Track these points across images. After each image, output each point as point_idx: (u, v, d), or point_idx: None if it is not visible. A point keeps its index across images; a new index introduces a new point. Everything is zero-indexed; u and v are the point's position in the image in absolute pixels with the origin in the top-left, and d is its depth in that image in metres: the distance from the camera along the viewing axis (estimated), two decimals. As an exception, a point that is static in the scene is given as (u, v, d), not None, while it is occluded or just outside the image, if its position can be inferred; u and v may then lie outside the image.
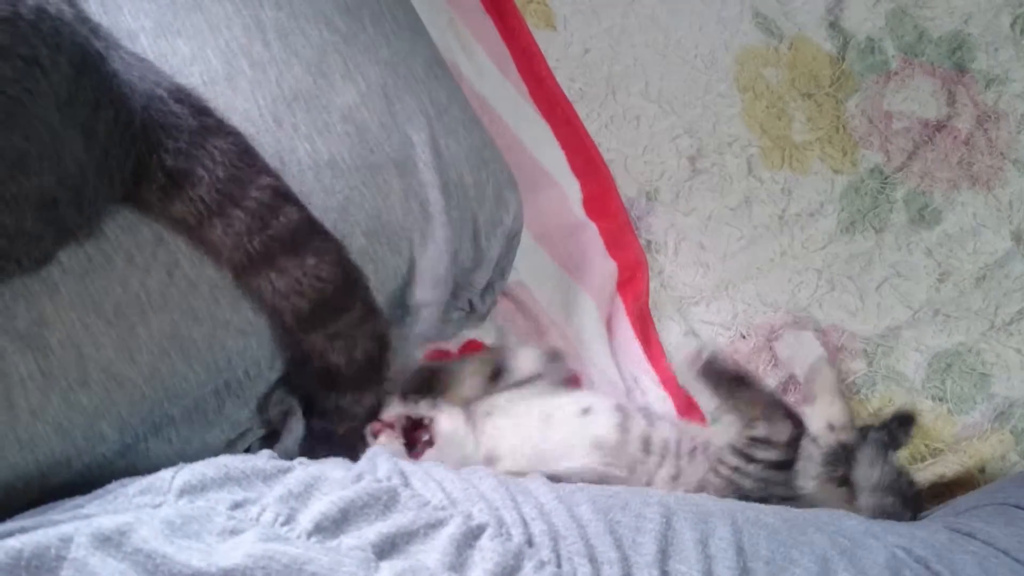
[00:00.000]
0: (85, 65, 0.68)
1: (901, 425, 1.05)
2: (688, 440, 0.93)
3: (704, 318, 1.14)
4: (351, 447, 0.85)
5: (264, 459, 0.68)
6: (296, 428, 0.90)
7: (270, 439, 0.91)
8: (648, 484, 0.89)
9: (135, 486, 0.65)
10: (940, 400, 1.12)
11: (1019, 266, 1.18)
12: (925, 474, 1.05)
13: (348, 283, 0.81)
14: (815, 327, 1.14)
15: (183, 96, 0.78)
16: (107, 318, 0.76)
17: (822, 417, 0.97)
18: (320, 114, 0.85)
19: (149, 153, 0.76)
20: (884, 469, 0.96)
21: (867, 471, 0.96)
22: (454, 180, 0.91)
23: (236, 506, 0.62)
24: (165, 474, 0.65)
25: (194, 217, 0.77)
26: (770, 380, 1.10)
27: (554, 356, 0.99)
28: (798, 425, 0.92)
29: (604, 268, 1.10)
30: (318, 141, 0.84)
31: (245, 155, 0.78)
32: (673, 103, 1.20)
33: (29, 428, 0.73)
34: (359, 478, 0.66)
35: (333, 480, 0.65)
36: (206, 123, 0.78)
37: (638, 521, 0.66)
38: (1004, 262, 1.18)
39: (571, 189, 1.13)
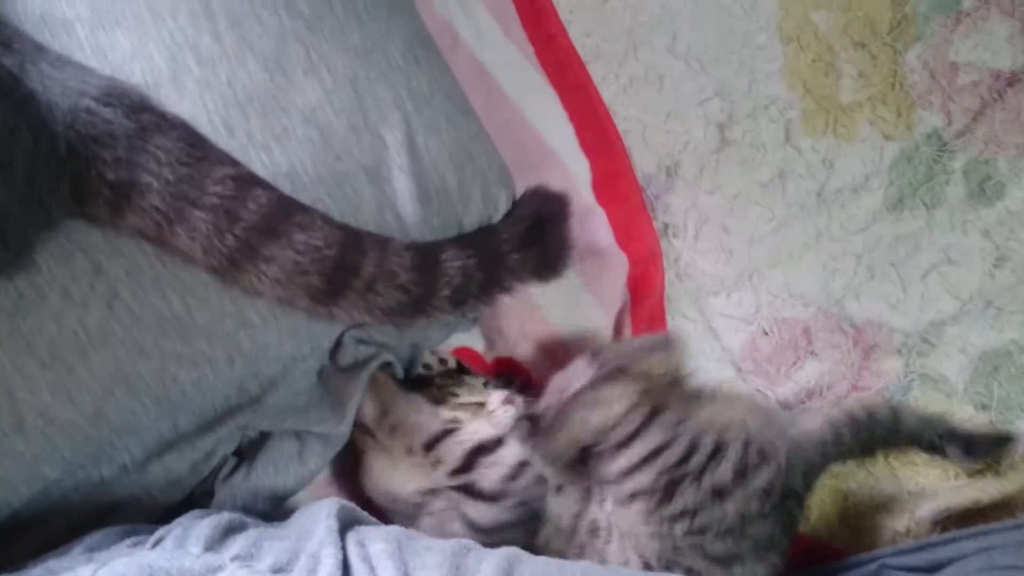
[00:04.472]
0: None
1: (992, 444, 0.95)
2: None
3: (723, 311, 1.03)
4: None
5: (193, 556, 0.62)
6: (276, 458, 0.85)
7: (241, 454, 0.86)
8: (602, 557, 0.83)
9: None
10: (984, 408, 1.01)
11: (1089, 249, 1.05)
12: (957, 497, 0.96)
13: (349, 236, 0.74)
14: (849, 323, 1.03)
15: (114, 98, 0.70)
16: (41, 359, 0.71)
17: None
18: (278, 118, 0.75)
19: (86, 170, 0.68)
20: None
21: None
22: (435, 184, 0.81)
23: None
24: (84, 572, 0.60)
25: (152, 228, 0.70)
26: (792, 386, 1.01)
27: None
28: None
29: (613, 261, 0.99)
30: (276, 150, 0.75)
31: (194, 149, 0.70)
32: (703, 59, 1.06)
33: (-38, 477, 0.69)
34: None
35: None
36: (144, 122, 0.70)
37: None
38: (1071, 244, 1.05)
39: (579, 169, 1.01)
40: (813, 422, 0.91)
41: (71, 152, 0.67)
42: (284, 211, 0.72)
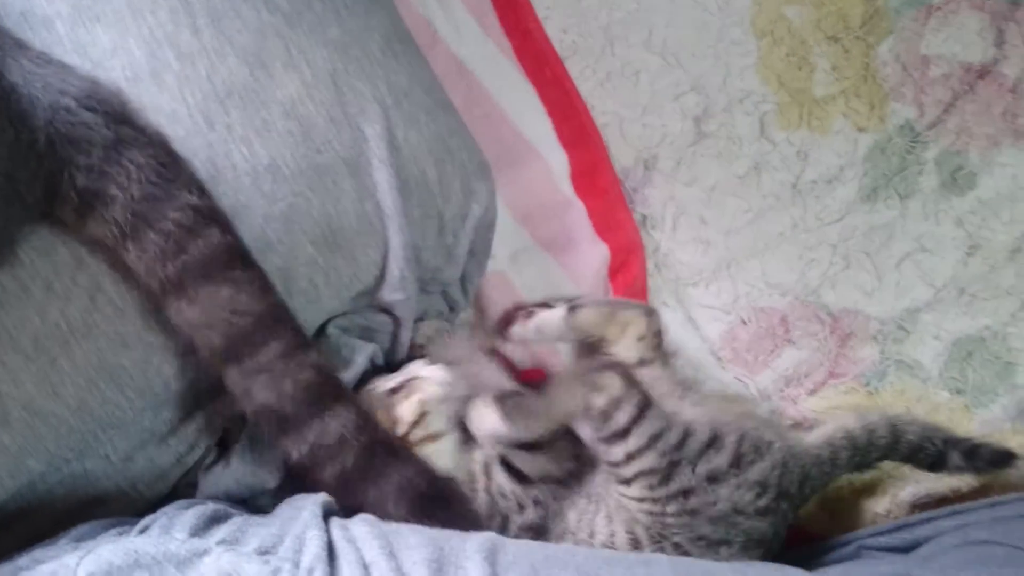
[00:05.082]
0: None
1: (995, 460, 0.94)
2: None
3: (702, 301, 1.05)
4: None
5: (179, 541, 0.63)
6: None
7: (224, 446, 0.87)
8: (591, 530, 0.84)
9: (38, 573, 0.61)
10: (959, 392, 1.03)
11: (1060, 236, 1.07)
12: (937, 484, 0.97)
13: (268, 317, 0.73)
14: (826, 312, 1.04)
15: (95, 102, 0.70)
16: (25, 352, 0.71)
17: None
18: (258, 111, 0.76)
19: (60, 171, 0.69)
20: None
21: None
22: (414, 176, 0.82)
23: None
24: (70, 560, 0.61)
25: (110, 239, 0.70)
26: (770, 374, 1.02)
27: None
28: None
29: (594, 253, 1.01)
30: (256, 143, 0.76)
31: (166, 169, 0.71)
32: (679, 54, 1.08)
33: (-53, 473, 0.69)
34: (276, 573, 0.60)
35: None
36: (122, 134, 0.70)
37: None
38: (1044, 232, 1.07)
39: (558, 162, 1.02)
40: (812, 439, 0.92)
41: (50, 149, 0.68)
42: (226, 259, 0.72)
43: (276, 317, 0.73)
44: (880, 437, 0.91)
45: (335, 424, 0.76)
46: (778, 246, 1.06)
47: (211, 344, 0.72)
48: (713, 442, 0.83)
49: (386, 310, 0.88)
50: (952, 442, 0.92)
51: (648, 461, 0.81)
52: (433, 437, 0.85)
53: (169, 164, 0.71)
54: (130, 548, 0.61)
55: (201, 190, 0.72)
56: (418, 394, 0.85)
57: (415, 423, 0.84)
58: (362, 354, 0.87)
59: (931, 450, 0.91)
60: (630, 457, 0.81)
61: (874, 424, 0.92)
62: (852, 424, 0.92)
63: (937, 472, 0.93)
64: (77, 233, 0.71)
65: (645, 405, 0.83)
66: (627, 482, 0.82)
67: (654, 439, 0.81)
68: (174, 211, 0.69)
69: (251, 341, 0.72)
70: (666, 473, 0.81)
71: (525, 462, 0.84)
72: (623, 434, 0.81)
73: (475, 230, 0.89)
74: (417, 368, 0.88)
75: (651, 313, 0.91)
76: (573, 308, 0.89)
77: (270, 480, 0.86)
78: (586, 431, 0.84)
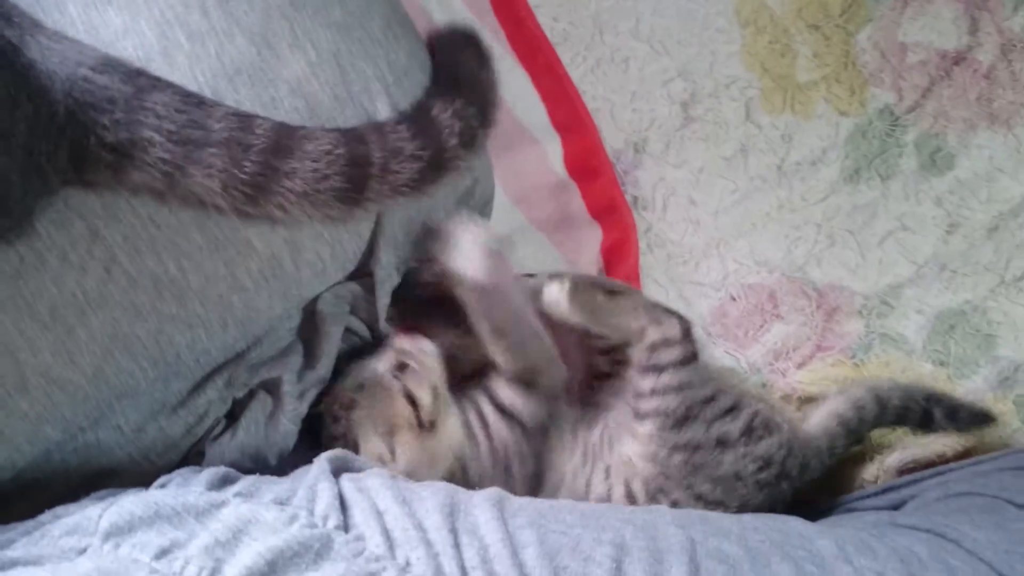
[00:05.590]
0: (-4, 63, 0.62)
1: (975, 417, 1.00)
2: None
3: (693, 279, 1.08)
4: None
5: (197, 493, 0.65)
6: (258, 416, 0.87)
7: (232, 417, 0.89)
8: (587, 485, 0.86)
9: (62, 525, 0.63)
10: (942, 364, 1.07)
11: (1035, 214, 1.11)
12: (922, 450, 1.00)
13: (347, 134, 0.76)
14: (812, 287, 1.08)
15: (109, 67, 0.72)
16: (43, 321, 0.73)
17: None
18: (266, 88, 0.79)
19: (85, 136, 0.71)
20: None
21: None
22: (415, 152, 0.85)
23: (161, 553, 0.59)
24: (92, 512, 0.62)
25: (160, 181, 0.71)
26: (760, 348, 1.05)
27: None
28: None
29: (588, 233, 1.04)
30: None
31: (189, 97, 0.72)
32: (666, 42, 1.12)
33: (-32, 438, 0.71)
34: (293, 520, 0.63)
35: (264, 524, 0.61)
36: (140, 84, 0.72)
37: (586, 567, 0.63)
38: (1019, 210, 1.11)
39: (552, 146, 1.06)
40: (811, 429, 0.96)
41: (70, 119, 0.70)
42: (287, 129, 0.74)
43: (350, 131, 0.77)
44: (868, 412, 0.95)
45: None
46: (765, 225, 1.10)
47: (337, 190, 0.74)
48: (732, 410, 0.86)
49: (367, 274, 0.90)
50: (934, 399, 0.96)
51: (669, 402, 0.84)
52: (447, 413, 0.88)
53: (190, 94, 0.73)
54: (150, 500, 0.63)
55: (226, 107, 0.73)
56: (428, 375, 0.88)
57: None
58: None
59: (916, 409, 0.95)
60: (654, 392, 0.85)
61: (861, 399, 0.96)
62: (842, 408, 0.95)
63: (927, 431, 0.97)
64: (119, 188, 0.72)
65: (690, 358, 0.86)
66: (642, 418, 0.85)
67: (684, 387, 0.85)
68: (216, 123, 0.71)
69: (359, 157, 0.75)
70: (680, 420, 0.84)
71: (517, 401, 0.87)
72: (659, 370, 0.85)
73: (470, 208, 0.92)
74: (403, 342, 0.90)
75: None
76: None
77: (271, 456, 0.88)
78: (633, 353, 0.88)
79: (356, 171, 0.75)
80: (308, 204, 0.74)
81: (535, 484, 0.87)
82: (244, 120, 0.72)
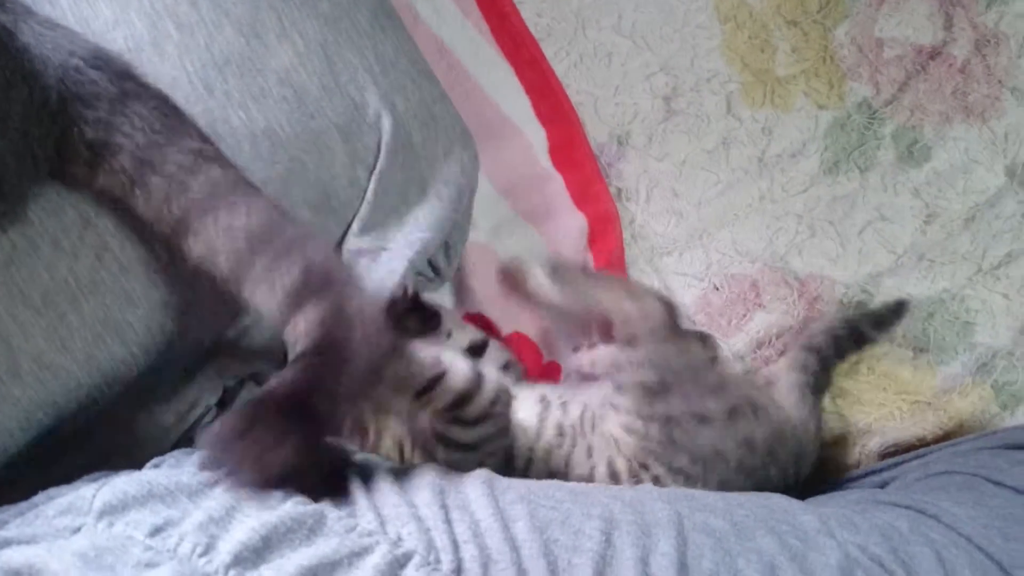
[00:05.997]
0: (-9, 46, 0.63)
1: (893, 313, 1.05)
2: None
3: (676, 269, 1.10)
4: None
5: (190, 473, 0.66)
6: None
7: (223, 405, 0.90)
8: (567, 465, 0.87)
9: (55, 505, 0.63)
10: (921, 351, 1.08)
11: (1011, 204, 1.13)
12: (902, 434, 1.02)
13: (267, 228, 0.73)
14: (794, 277, 1.10)
15: (101, 61, 0.73)
16: (35, 307, 0.73)
17: None
18: (255, 79, 0.80)
19: (70, 127, 0.71)
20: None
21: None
22: (401, 141, 0.86)
23: (156, 531, 0.60)
24: (86, 491, 0.63)
25: (119, 189, 0.72)
26: (743, 337, 1.07)
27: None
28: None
29: (572, 223, 1.05)
30: (253, 108, 0.80)
31: (168, 119, 0.73)
32: (648, 37, 1.13)
33: (-40, 424, 0.71)
34: (285, 497, 0.64)
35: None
36: (126, 88, 0.73)
37: (576, 539, 0.64)
38: (995, 201, 1.13)
39: (536, 137, 1.07)
40: (790, 410, 0.97)
41: (61, 107, 0.71)
42: (227, 190, 0.73)
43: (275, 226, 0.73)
44: (812, 364, 1.00)
45: None
46: (747, 216, 1.11)
47: (219, 270, 0.72)
48: (717, 390, 0.88)
49: None
50: (854, 320, 1.04)
51: (650, 374, 0.85)
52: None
53: (171, 114, 0.73)
54: (144, 479, 0.63)
55: (203, 137, 0.74)
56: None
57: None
58: None
59: (847, 335, 1.02)
60: (631, 363, 0.85)
61: (801, 360, 1.01)
62: (794, 377, 0.99)
63: (865, 347, 1.04)
64: (88, 187, 0.73)
65: (669, 334, 0.87)
66: (622, 389, 0.86)
67: (658, 363, 0.85)
68: (176, 154, 0.72)
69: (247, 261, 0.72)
70: (658, 391, 0.85)
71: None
72: (635, 342, 0.85)
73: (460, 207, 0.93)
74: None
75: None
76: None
77: None
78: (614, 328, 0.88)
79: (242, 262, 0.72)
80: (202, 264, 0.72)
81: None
82: (198, 163, 0.72)
